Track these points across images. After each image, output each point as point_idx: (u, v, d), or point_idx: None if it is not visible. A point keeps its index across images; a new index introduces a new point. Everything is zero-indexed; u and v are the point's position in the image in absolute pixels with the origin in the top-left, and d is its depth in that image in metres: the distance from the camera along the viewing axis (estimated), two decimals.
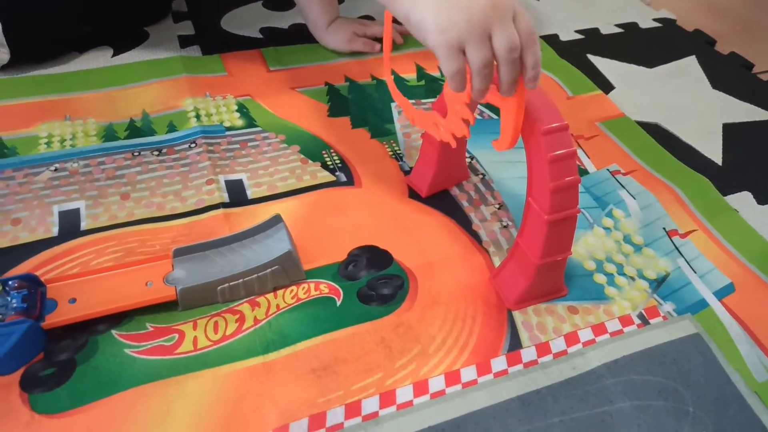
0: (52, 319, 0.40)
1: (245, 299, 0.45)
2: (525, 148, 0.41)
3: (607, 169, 0.60)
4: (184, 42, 0.74)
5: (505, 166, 0.59)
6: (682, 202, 0.57)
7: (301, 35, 0.77)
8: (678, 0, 0.96)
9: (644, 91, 0.73)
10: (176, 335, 0.42)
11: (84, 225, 0.49)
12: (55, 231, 0.49)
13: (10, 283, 0.41)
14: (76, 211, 0.51)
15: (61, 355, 0.40)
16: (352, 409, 0.39)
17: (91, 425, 0.37)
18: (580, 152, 0.62)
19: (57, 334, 0.41)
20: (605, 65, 0.77)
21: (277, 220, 0.47)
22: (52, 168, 0.54)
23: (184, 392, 0.39)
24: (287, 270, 0.45)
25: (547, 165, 0.39)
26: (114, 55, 0.71)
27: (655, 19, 0.89)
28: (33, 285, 0.42)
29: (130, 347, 0.41)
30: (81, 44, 0.71)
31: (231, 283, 0.43)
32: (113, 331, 0.42)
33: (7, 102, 0.62)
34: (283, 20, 0.81)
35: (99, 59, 0.70)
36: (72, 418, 0.37)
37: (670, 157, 0.62)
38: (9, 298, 0.40)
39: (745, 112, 0.70)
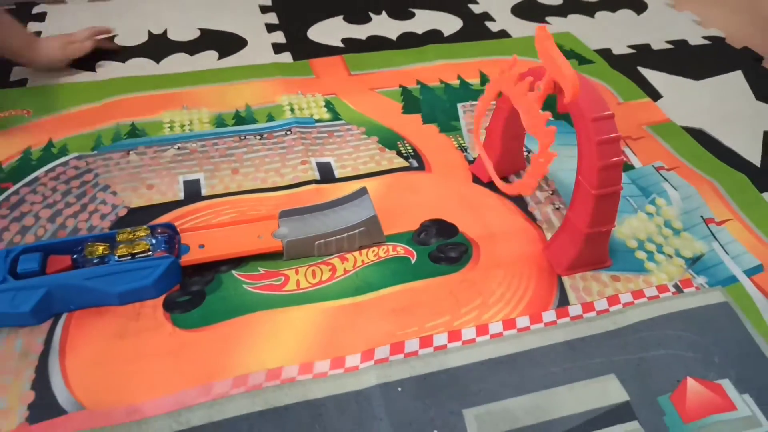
0: (186, 259, 0.51)
1: (335, 255, 0.54)
2: (576, 133, 0.49)
3: (652, 165, 0.67)
4: (277, 49, 0.86)
5: (558, 160, 0.66)
6: (720, 194, 0.63)
7: (376, 45, 0.87)
8: (728, 19, 1.01)
9: (690, 100, 0.79)
10: (282, 277, 0.52)
11: (204, 192, 0.60)
12: (181, 195, 0.60)
13: (156, 228, 0.52)
14: (197, 181, 0.61)
15: (194, 287, 0.50)
16: (425, 342, 0.47)
17: (218, 338, 0.47)
18: (627, 151, 0.69)
19: (189, 272, 0.51)
20: (654, 77, 0.84)
21: (363, 191, 0.56)
22: (176, 146, 0.66)
23: (290, 320, 0.48)
24: (371, 232, 0.54)
25: (595, 147, 0.47)
26: (219, 58, 0.83)
27: (704, 37, 0.95)
28: (172, 232, 0.52)
29: (247, 284, 0.51)
30: (191, 48, 0.84)
31: (326, 240, 0.53)
32: (233, 272, 0.52)
33: (136, 95, 0.74)
34: (361, 32, 0.92)
35: (207, 61, 0.82)
36: (203, 332, 0.47)
37: (711, 157, 0.68)
38: (155, 240, 0.51)
39: None
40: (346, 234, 0.53)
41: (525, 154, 0.66)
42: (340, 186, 0.62)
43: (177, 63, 0.81)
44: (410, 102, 0.75)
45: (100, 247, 0.50)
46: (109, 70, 0.79)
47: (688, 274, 0.54)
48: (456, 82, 0.80)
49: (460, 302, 0.50)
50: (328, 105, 0.74)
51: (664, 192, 0.63)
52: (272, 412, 0.42)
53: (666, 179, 0.64)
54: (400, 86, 0.78)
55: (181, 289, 0.50)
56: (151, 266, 0.49)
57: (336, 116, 0.72)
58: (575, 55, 0.87)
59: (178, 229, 0.53)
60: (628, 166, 0.66)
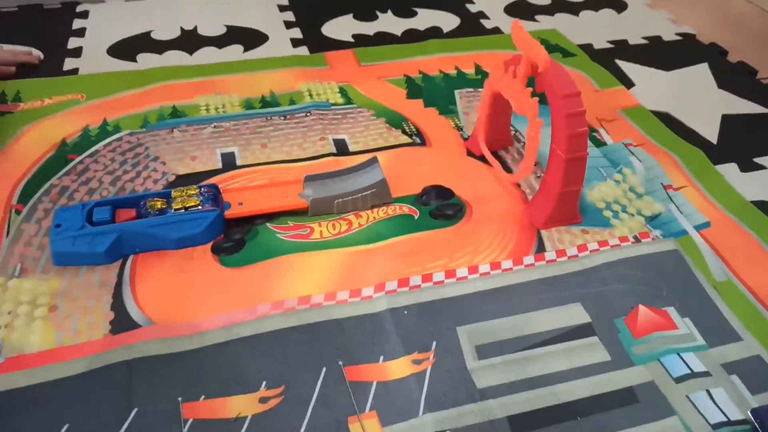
0: (229, 213, 0.61)
1: (351, 212, 0.64)
2: (550, 107, 0.60)
3: (622, 142, 0.77)
4: (295, 43, 0.96)
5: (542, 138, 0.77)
6: (679, 166, 0.73)
7: (383, 40, 0.98)
8: (700, 18, 1.12)
9: (660, 88, 0.89)
10: (308, 229, 0.62)
11: (238, 162, 0.71)
12: (219, 165, 0.70)
13: (202, 188, 0.62)
14: (232, 154, 0.72)
15: (235, 236, 0.61)
16: (426, 278, 0.58)
17: (258, 273, 0.57)
18: (601, 131, 0.80)
19: (230, 225, 0.62)
20: (630, 68, 0.94)
21: (374, 160, 0.67)
22: (212, 125, 0.76)
23: (316, 260, 0.59)
24: (381, 193, 0.64)
25: (564, 119, 0.58)
26: (244, 51, 0.94)
27: (677, 33, 1.06)
28: (216, 191, 0.63)
29: (279, 233, 0.62)
30: (219, 42, 0.95)
31: (343, 199, 0.63)
32: (267, 224, 0.62)
33: (174, 82, 0.85)
34: (369, 29, 1.03)
35: (233, 54, 0.93)
36: (248, 269, 0.58)
37: (674, 135, 0.79)
38: (203, 197, 0.61)
39: (743, 106, 0.86)
40: (360, 194, 0.64)
41: (512, 132, 0.77)
42: (354, 158, 0.72)
43: (207, 55, 0.92)
44: (413, 89, 0.86)
45: (159, 202, 0.60)
46: (148, 61, 0.90)
47: (646, 228, 0.65)
48: (453, 72, 0.90)
49: (455, 249, 0.61)
50: (342, 91, 0.84)
51: (630, 164, 0.73)
52: (304, 327, 0.53)
53: (633, 153, 0.75)
54: (405, 75, 0.89)
55: (225, 238, 0.61)
56: (202, 217, 0.59)
57: (349, 101, 0.83)
58: (559, 49, 0.98)
59: (221, 189, 0.63)
60: (601, 143, 0.77)
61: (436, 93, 0.85)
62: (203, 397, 0.47)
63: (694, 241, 0.63)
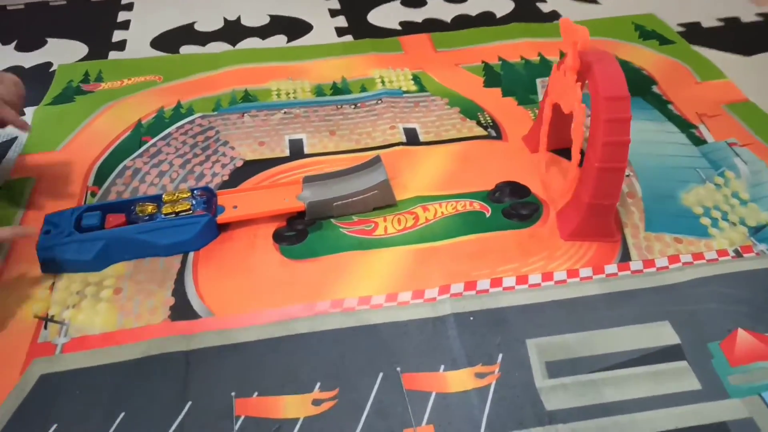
0: (222, 218, 0.58)
1: (353, 214, 0.60)
2: (591, 108, 0.53)
3: (725, 141, 0.69)
4: (340, 32, 0.93)
5: (635, 134, 0.69)
6: None
7: (431, 27, 0.94)
8: None
9: (739, 76, 0.79)
10: (373, 224, 0.60)
11: (306, 150, 0.69)
12: (287, 152, 0.69)
13: (195, 191, 0.59)
14: (300, 141, 0.71)
15: (298, 226, 0.59)
16: (496, 282, 0.54)
17: (319, 269, 0.56)
18: (702, 127, 0.72)
19: (294, 215, 0.60)
20: (704, 54, 0.85)
21: (377, 159, 0.62)
22: (282, 111, 0.75)
23: (378, 258, 0.56)
24: (383, 194, 0.60)
25: (603, 123, 0.51)
26: (288, 41, 0.91)
27: (757, 14, 0.94)
28: (210, 194, 0.60)
29: (343, 228, 0.59)
30: (262, 32, 0.93)
31: (343, 201, 0.59)
32: (332, 219, 0.60)
33: (248, 66, 0.84)
34: (418, 15, 0.98)
35: (277, 44, 0.90)
36: (306, 263, 0.56)
37: None
38: (195, 201, 0.58)
39: None
40: (361, 197, 0.59)
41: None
42: (424, 149, 0.69)
43: (250, 46, 0.90)
44: (491, 77, 0.81)
45: (149, 207, 0.58)
46: (191, 51, 0.89)
47: (750, 241, 0.57)
48: (536, 59, 0.84)
49: (529, 252, 0.57)
50: (415, 78, 0.81)
51: (734, 166, 0.65)
52: (364, 328, 0.50)
53: (737, 154, 0.67)
54: (483, 62, 0.84)
55: (288, 226, 0.59)
56: (192, 223, 0.57)
57: (422, 88, 0.79)
58: (656, 36, 0.89)
59: (216, 192, 0.61)
60: (701, 141, 0.69)
61: (516, 81, 0.80)
62: (256, 393, 0.46)
63: None
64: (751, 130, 0.71)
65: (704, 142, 0.69)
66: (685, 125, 0.72)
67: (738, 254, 0.56)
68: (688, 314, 0.51)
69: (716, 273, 0.54)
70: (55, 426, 0.44)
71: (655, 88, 0.79)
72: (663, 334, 0.49)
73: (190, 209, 0.58)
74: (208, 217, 0.57)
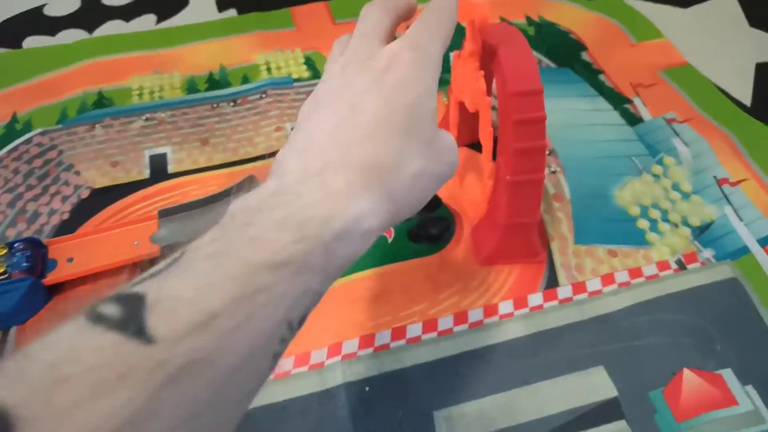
0: (52, 277, 0.46)
1: None
2: (498, 105, 0.43)
3: (663, 117, 0.60)
4: (221, 6, 0.77)
5: (562, 114, 0.60)
6: (737, 150, 0.56)
7: None
8: None
9: (675, 33, 0.70)
10: None
11: (170, 168, 0.57)
12: (147, 173, 0.56)
13: (15, 245, 0.47)
14: (164, 156, 0.58)
15: None
16: (398, 333, 0.44)
17: None
18: (637, 101, 0.62)
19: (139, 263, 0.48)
20: (638, 7, 0.74)
21: (251, 179, 0.51)
22: (143, 117, 0.62)
23: None
24: None
25: (512, 125, 0.41)
26: (158, 22, 0.75)
27: None
28: (35, 247, 0.47)
29: None
30: (127, 13, 0.77)
31: None
32: None
33: (105, 58, 0.69)
34: None
35: (145, 26, 0.75)
36: None
37: (731, 105, 0.61)
38: (14, 259, 0.46)
39: None
40: None
41: None
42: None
43: (112, 32, 0.74)
44: None
45: None
46: (38, 42, 0.73)
47: (693, 246, 0.49)
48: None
49: (439, 286, 0.47)
50: (308, 61, 0.68)
51: (674, 149, 0.56)
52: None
53: (677, 133, 0.58)
54: None
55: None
56: (9, 290, 0.44)
57: (317, 74, 0.66)
58: None
59: (44, 243, 0.48)
60: (637, 119, 0.60)
61: None
62: None
63: (759, 262, 0.48)
64: (691, 100, 0.62)
65: (640, 120, 0.60)
66: (618, 100, 0.62)
67: (681, 266, 0.47)
68: (626, 354, 0.42)
69: (657, 295, 0.45)
70: None
71: (584, 55, 0.68)
72: (598, 384, 0.41)
73: (5, 272, 0.45)
74: (29, 282, 0.45)
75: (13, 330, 0.45)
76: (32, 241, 0.48)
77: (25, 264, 0.46)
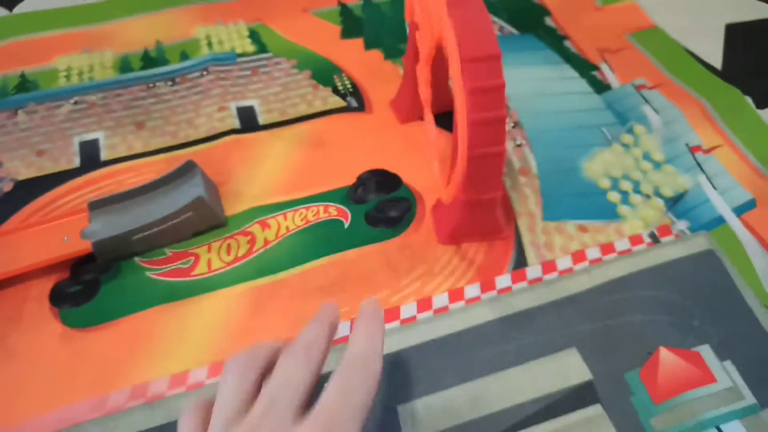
0: None
1: (166, 247, 0.45)
2: (451, 74, 0.39)
3: (632, 84, 0.57)
4: None
5: (526, 84, 0.56)
6: (709, 116, 0.54)
7: None
8: None
9: None
10: (192, 258, 0.44)
11: (103, 155, 0.51)
12: (77, 162, 0.51)
13: None
14: (95, 142, 0.52)
15: (87, 275, 0.43)
16: None
17: (117, 339, 0.40)
18: (604, 66, 0.59)
19: (82, 260, 0.44)
20: None
21: (191, 165, 0.46)
22: (72, 101, 0.56)
23: (199, 311, 0.41)
24: (202, 215, 0.44)
25: (466, 95, 0.37)
26: None
27: None
28: None
29: (151, 270, 0.44)
30: None
31: (146, 233, 0.43)
32: (135, 258, 0.44)
33: (27, 37, 0.63)
34: None
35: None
36: (98, 331, 0.40)
37: (702, 69, 0.58)
38: None
39: (757, 10, 0.65)
40: (169, 223, 0.43)
41: None
42: (264, 135, 0.53)
43: (34, 8, 0.67)
44: (351, 23, 0.64)
45: None
46: None
47: (667, 218, 0.46)
48: None
49: (400, 273, 0.43)
50: (253, 35, 0.63)
51: (644, 117, 0.54)
52: (174, 426, 0.36)
53: (647, 101, 0.55)
54: (339, 3, 0.66)
55: (72, 278, 0.43)
56: None
57: (262, 48, 0.61)
58: None
59: None
60: (605, 87, 0.57)
61: (381, 27, 0.64)
62: None
63: (735, 232, 0.45)
64: (660, 64, 0.59)
65: (608, 87, 0.57)
66: (585, 66, 0.59)
67: (654, 239, 0.45)
68: (600, 334, 0.40)
69: (630, 271, 0.43)
70: None
71: (548, 20, 0.65)
72: (571, 367, 0.38)
73: None
74: None
75: None
76: None
77: None
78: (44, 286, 0.42)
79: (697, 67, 0.59)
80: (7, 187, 0.49)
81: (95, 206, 0.45)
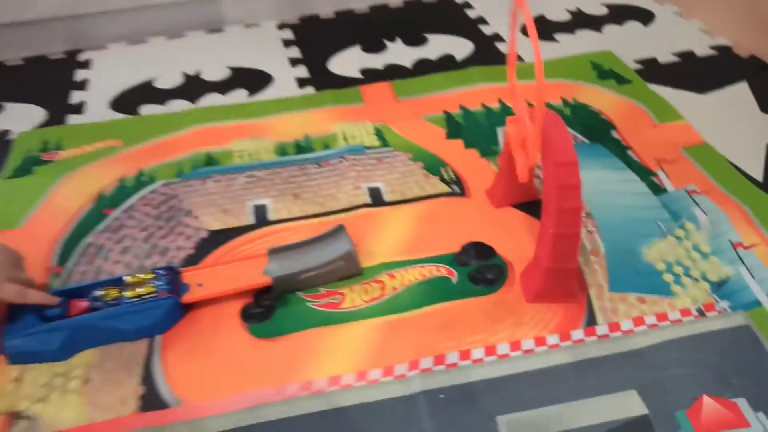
0: (186, 298, 0.57)
1: (323, 285, 0.60)
2: (543, 174, 0.54)
3: (684, 189, 0.70)
4: (301, 83, 0.93)
5: (596, 184, 0.71)
6: (750, 220, 0.66)
7: (393, 73, 0.94)
8: (737, 26, 1.01)
9: (695, 116, 0.81)
10: (340, 297, 0.59)
11: (270, 216, 0.69)
12: (252, 219, 0.68)
13: (158, 271, 0.59)
14: (264, 207, 0.70)
15: (265, 302, 0.59)
16: (464, 355, 0.54)
17: (288, 348, 0.55)
18: (660, 174, 0.73)
19: (261, 289, 0.59)
20: (662, 93, 0.87)
21: (341, 228, 0.62)
22: (245, 174, 0.74)
23: (347, 334, 0.56)
24: (349, 265, 0.60)
25: (556, 190, 0.52)
26: (249, 95, 0.91)
27: (711, 47, 0.97)
28: (173, 273, 0.59)
29: (310, 302, 0.59)
30: (223, 87, 0.93)
31: (309, 273, 0.59)
32: (298, 293, 0.60)
33: (209, 125, 0.83)
34: (377, 61, 0.98)
35: (238, 99, 0.90)
36: (277, 342, 0.56)
37: (744, 180, 0.71)
38: (159, 282, 0.57)
39: None
40: (327, 268, 0.59)
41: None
42: (389, 210, 0.69)
43: (211, 103, 0.89)
44: (453, 127, 0.82)
45: (112, 291, 0.57)
46: (151, 111, 0.88)
47: (712, 298, 0.58)
48: (497, 106, 0.85)
49: (496, 320, 0.57)
50: (378, 132, 0.81)
51: (694, 216, 0.66)
52: (335, 412, 0.50)
53: (697, 203, 0.68)
54: (444, 112, 0.84)
55: (254, 303, 0.59)
56: (156, 306, 0.56)
57: (385, 143, 0.79)
58: (613, 75, 0.91)
59: (179, 270, 0.60)
60: (661, 190, 0.70)
61: (477, 132, 0.81)
62: None
63: None
64: (709, 175, 0.72)
65: (664, 190, 0.70)
66: (644, 172, 0.73)
67: (701, 313, 0.57)
68: (655, 381, 0.51)
69: (681, 335, 0.55)
70: None
71: (613, 133, 0.80)
72: (631, 404, 0.50)
73: (154, 291, 0.57)
74: (172, 300, 0.56)
75: (158, 338, 0.56)
76: (170, 268, 0.60)
77: (167, 286, 0.57)
78: (235, 307, 0.58)
79: (740, 178, 0.72)
80: (204, 235, 0.67)
81: (273, 252, 0.61)
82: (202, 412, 0.50)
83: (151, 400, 0.51)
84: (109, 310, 0.56)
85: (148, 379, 0.53)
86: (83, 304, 0.57)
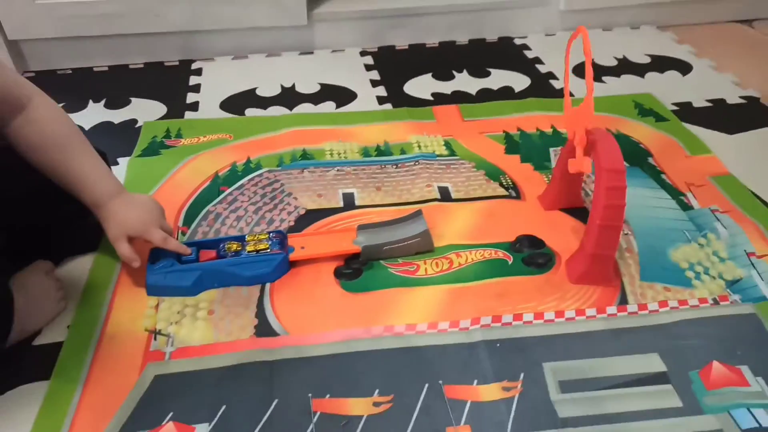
0: (293, 256, 0.71)
1: (401, 258, 0.73)
2: (595, 178, 0.67)
3: (709, 208, 0.82)
4: (381, 101, 1.09)
5: (633, 199, 0.82)
6: (764, 236, 0.77)
7: (459, 98, 1.09)
8: (765, 80, 1.14)
9: (723, 152, 0.93)
10: (415, 266, 0.73)
11: (357, 202, 0.83)
12: (341, 203, 0.83)
13: (271, 234, 0.73)
14: (352, 194, 0.84)
15: (354, 265, 0.72)
16: (517, 317, 0.66)
17: (373, 300, 0.68)
18: (689, 195, 0.85)
19: (350, 255, 0.73)
20: (694, 131, 0.99)
21: (419, 212, 0.76)
22: (335, 169, 0.89)
23: (422, 294, 0.69)
24: (424, 242, 0.73)
25: (604, 190, 0.65)
26: (337, 107, 1.07)
27: (741, 96, 1.09)
28: (283, 236, 0.73)
29: (391, 269, 0.72)
30: (315, 99, 1.09)
31: (391, 246, 0.72)
32: (380, 261, 0.73)
33: (304, 128, 0.99)
34: (447, 87, 1.14)
35: (327, 110, 1.06)
36: (363, 296, 0.69)
37: (761, 205, 0.83)
38: (272, 241, 0.71)
39: None
40: (406, 243, 0.72)
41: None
42: (456, 205, 0.82)
43: (304, 111, 1.05)
44: (511, 145, 0.96)
45: (235, 245, 0.71)
46: (255, 113, 1.05)
47: (726, 292, 0.69)
48: (549, 131, 0.99)
49: (544, 294, 0.69)
50: (447, 144, 0.95)
51: (716, 229, 0.78)
52: (411, 349, 0.63)
53: (719, 220, 0.80)
54: (504, 132, 0.98)
55: (345, 264, 0.72)
56: (270, 259, 0.70)
57: (452, 153, 0.93)
58: (653, 113, 1.04)
59: (287, 235, 0.74)
60: (688, 207, 0.82)
61: (532, 150, 0.94)
62: (328, 395, 0.58)
63: None
64: (731, 199, 0.84)
65: (691, 207, 0.82)
66: (675, 193, 0.85)
67: (716, 302, 0.68)
68: (674, 348, 0.63)
69: (698, 316, 0.66)
70: (171, 414, 0.56)
71: (650, 160, 0.93)
72: (653, 363, 0.61)
73: (268, 248, 0.71)
74: (283, 255, 0.71)
75: (268, 285, 0.70)
76: (280, 232, 0.74)
77: (278, 245, 0.72)
78: (330, 267, 0.72)
79: (757, 203, 0.83)
80: (302, 212, 0.81)
81: (362, 228, 0.75)
82: (305, 340, 0.64)
83: (264, 329, 0.65)
84: (233, 259, 0.70)
85: (260, 314, 0.67)
86: (211, 253, 0.71)
